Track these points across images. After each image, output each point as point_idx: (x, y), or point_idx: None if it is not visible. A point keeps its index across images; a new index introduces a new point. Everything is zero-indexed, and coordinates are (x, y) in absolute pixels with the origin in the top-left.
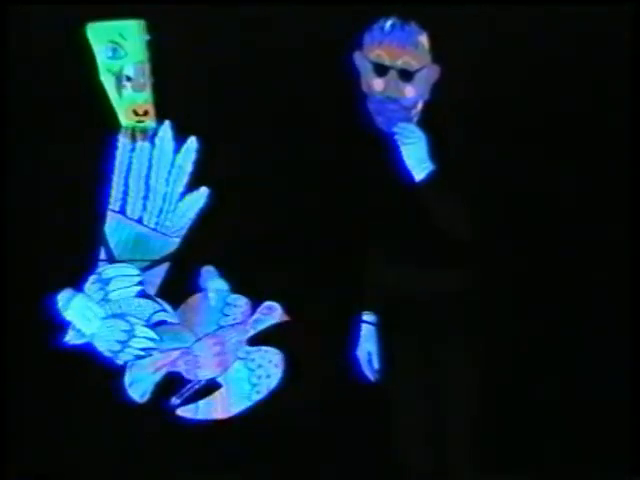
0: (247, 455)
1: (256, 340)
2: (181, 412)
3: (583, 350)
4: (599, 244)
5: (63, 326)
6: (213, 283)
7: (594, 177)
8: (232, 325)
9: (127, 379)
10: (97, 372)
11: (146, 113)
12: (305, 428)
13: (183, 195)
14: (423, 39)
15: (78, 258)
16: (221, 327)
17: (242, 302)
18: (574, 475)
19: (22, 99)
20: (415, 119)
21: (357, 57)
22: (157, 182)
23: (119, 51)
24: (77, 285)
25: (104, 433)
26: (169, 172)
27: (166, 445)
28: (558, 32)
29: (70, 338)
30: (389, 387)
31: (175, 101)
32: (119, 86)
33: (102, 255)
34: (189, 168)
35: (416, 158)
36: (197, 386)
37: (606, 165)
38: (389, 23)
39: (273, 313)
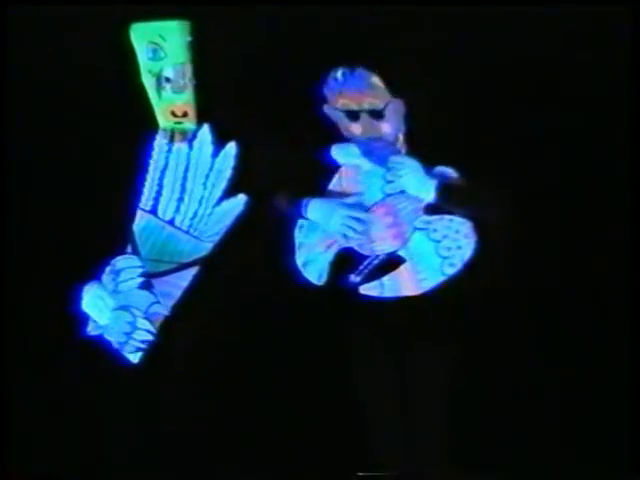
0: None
1: (435, 208)
2: (365, 290)
3: (583, 349)
4: (599, 245)
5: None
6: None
7: (594, 178)
8: (401, 192)
9: (299, 260)
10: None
11: (185, 114)
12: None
13: (220, 200)
14: (375, 80)
15: (105, 254)
16: (388, 195)
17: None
18: (574, 475)
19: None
20: (403, 151)
21: (326, 109)
22: (194, 185)
23: (159, 52)
24: (97, 276)
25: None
26: (207, 176)
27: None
28: (558, 32)
29: (90, 329)
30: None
31: (216, 104)
32: (159, 87)
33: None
34: (228, 173)
35: (417, 185)
36: (376, 262)
37: (606, 165)
38: (339, 72)
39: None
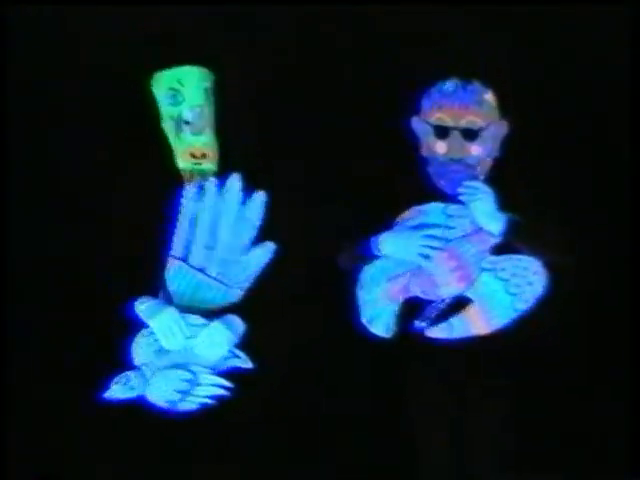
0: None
1: (502, 248)
2: (433, 333)
3: (583, 350)
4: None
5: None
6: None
7: (595, 178)
8: (463, 237)
9: (364, 317)
10: None
11: (204, 156)
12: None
13: (249, 248)
14: (488, 97)
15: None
16: (450, 240)
17: (466, 212)
18: (574, 475)
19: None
20: (482, 177)
21: (415, 122)
22: (223, 233)
23: (177, 97)
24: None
25: None
26: (235, 224)
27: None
28: (558, 32)
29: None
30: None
31: (244, 152)
32: (178, 131)
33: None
34: (257, 222)
35: (486, 214)
36: (442, 305)
37: (606, 166)
38: (450, 84)
39: None
